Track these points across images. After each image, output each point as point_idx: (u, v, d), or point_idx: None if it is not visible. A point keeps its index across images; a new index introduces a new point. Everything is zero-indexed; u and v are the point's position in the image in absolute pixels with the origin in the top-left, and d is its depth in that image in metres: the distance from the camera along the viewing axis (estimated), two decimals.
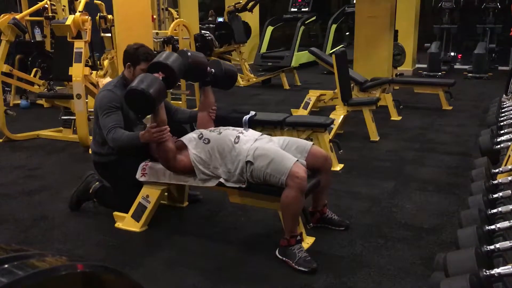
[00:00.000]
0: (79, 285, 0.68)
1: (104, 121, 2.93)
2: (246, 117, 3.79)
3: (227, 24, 9.40)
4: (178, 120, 3.36)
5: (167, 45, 6.40)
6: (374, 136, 5.01)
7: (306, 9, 11.14)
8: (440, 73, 9.18)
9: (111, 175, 3.20)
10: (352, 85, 5.77)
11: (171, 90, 6.46)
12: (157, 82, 2.63)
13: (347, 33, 11.73)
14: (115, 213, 3.10)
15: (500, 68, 10.06)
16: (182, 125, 3.29)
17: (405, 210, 3.25)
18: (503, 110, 3.98)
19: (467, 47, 10.71)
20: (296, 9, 11.31)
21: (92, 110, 5.16)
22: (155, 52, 5.98)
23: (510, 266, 1.54)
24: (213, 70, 3.11)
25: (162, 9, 9.20)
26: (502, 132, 3.28)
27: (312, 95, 5.93)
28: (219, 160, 2.71)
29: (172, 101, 5.46)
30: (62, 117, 5.42)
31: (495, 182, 2.39)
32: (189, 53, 3.01)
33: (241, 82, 8.84)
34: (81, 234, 3.02)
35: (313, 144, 2.87)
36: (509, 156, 2.65)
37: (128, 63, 3.05)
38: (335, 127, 4.75)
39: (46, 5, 7.02)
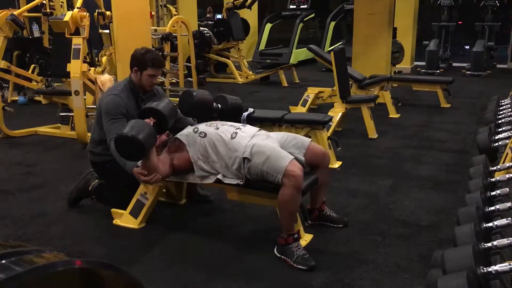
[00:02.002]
0: (77, 281, 0.68)
1: (109, 127, 2.93)
2: (245, 114, 3.79)
3: (225, 21, 9.39)
4: (182, 126, 3.35)
5: (165, 42, 6.40)
6: (373, 133, 5.01)
7: (305, 6, 11.13)
8: (438, 71, 9.19)
9: (106, 174, 3.19)
10: (350, 82, 5.77)
11: (169, 87, 6.47)
12: (147, 127, 2.64)
13: (346, 31, 11.73)
14: (113, 210, 3.10)
15: (498, 66, 10.08)
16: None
17: (403, 208, 3.25)
18: (501, 108, 3.99)
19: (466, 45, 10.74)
20: (294, 6, 11.30)
21: (90, 106, 5.20)
22: (154, 49, 5.98)
23: (507, 264, 1.55)
24: (219, 105, 3.15)
25: (161, 5, 9.20)
26: (500, 130, 3.29)
27: (311, 93, 5.92)
28: (216, 155, 2.71)
29: (171, 98, 5.46)
30: (60, 114, 5.41)
31: (493, 179, 2.39)
32: (194, 93, 3.04)
33: (239, 79, 8.84)
34: (79, 230, 3.02)
35: (311, 140, 2.87)
36: (507, 154, 2.66)
37: (135, 68, 3.04)
38: (333, 124, 4.76)
39: (44, 1, 7.00)
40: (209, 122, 2.96)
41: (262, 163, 2.52)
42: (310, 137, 3.73)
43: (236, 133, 2.74)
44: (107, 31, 7.05)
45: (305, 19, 10.84)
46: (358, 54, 7.23)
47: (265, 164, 2.51)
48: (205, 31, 9.04)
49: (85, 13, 4.89)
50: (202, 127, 2.85)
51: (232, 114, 3.24)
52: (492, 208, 2.04)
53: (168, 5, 9.47)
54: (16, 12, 5.37)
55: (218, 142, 2.71)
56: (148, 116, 2.76)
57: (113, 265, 0.74)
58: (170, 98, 3.50)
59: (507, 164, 2.47)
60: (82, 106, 4.83)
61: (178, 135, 2.89)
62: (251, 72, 9.22)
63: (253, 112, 3.85)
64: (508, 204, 1.97)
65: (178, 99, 4.91)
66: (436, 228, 2.94)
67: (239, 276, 2.44)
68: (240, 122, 3.73)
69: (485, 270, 1.54)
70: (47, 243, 2.83)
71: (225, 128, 2.79)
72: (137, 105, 3.07)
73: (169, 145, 2.92)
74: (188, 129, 2.89)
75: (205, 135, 2.77)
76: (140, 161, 2.78)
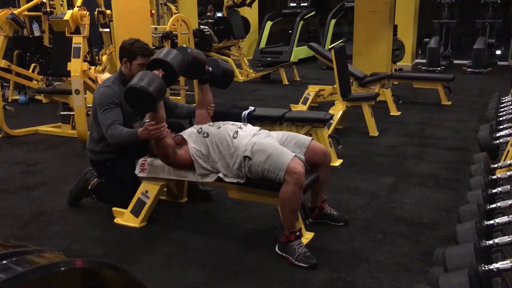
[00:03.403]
0: (78, 281, 0.68)
1: (103, 117, 2.92)
2: (245, 112, 3.79)
3: (226, 19, 9.38)
4: (177, 115, 3.36)
5: (165, 40, 6.38)
6: (373, 131, 5.01)
7: (305, 3, 11.11)
8: (439, 68, 9.18)
9: (107, 173, 3.19)
10: (351, 80, 5.76)
11: None
12: (157, 79, 2.61)
13: (347, 28, 11.71)
14: (114, 208, 3.10)
15: (499, 63, 10.06)
16: (180, 121, 3.29)
17: (404, 205, 3.25)
18: (502, 106, 3.99)
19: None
20: (295, 4, 11.27)
21: (91, 105, 5.20)
22: (154, 47, 5.98)
23: (508, 261, 1.54)
24: (210, 68, 3.11)
25: (161, 4, 9.18)
26: (501, 127, 3.29)
27: (311, 91, 5.92)
28: (218, 154, 2.71)
29: (171, 96, 5.46)
30: (61, 113, 5.41)
31: (494, 177, 2.39)
32: (189, 50, 3.00)
33: (240, 77, 8.83)
34: (80, 229, 3.02)
35: (312, 139, 2.86)
36: (508, 151, 2.66)
37: (125, 59, 3.04)
38: (334, 122, 4.75)
39: (44, 0, 6.99)
40: (211, 122, 2.97)
41: (264, 161, 2.52)
42: (310, 135, 3.74)
43: (237, 132, 2.74)
44: (108, 29, 7.03)
45: (305, 17, 10.82)
46: (358, 52, 7.21)
47: (267, 162, 2.51)
48: (206, 29, 9.03)
49: (85, 11, 4.89)
50: (205, 127, 2.86)
51: (223, 80, 3.22)
52: (494, 205, 2.04)
53: (168, 4, 9.46)
54: (16, 11, 5.37)
55: (219, 142, 2.71)
56: (156, 68, 2.72)
57: (114, 265, 0.74)
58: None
59: (508, 162, 2.47)
60: (83, 105, 4.83)
61: (181, 133, 2.89)
62: (251, 70, 9.21)
63: (254, 110, 3.84)
64: (510, 202, 1.96)
65: (179, 97, 4.89)
66: (437, 225, 2.94)
67: (240, 274, 2.44)
68: (243, 110, 3.74)
69: (486, 268, 1.54)
70: (48, 243, 2.83)
71: (227, 127, 2.79)
72: None
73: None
74: (192, 129, 2.89)
75: (208, 135, 2.77)
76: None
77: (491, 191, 2.21)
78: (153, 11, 7.52)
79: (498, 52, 10.44)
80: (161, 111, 2.74)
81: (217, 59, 3.26)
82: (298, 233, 2.57)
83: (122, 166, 3.05)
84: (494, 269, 1.53)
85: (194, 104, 3.39)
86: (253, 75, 9.03)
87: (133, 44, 3.02)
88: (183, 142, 2.84)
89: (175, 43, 6.52)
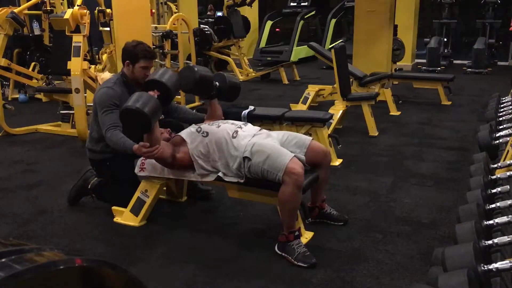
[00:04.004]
0: (77, 280, 0.68)
1: (103, 119, 2.92)
2: (245, 112, 3.79)
3: (226, 19, 9.37)
4: (179, 119, 3.35)
5: (166, 39, 6.38)
6: (373, 131, 5.01)
7: (306, 3, 11.10)
8: (439, 68, 9.18)
9: (106, 172, 3.19)
10: (351, 80, 5.76)
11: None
12: (152, 100, 2.61)
13: (347, 28, 11.71)
14: (114, 207, 3.10)
15: (499, 63, 10.06)
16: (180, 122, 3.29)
17: (404, 205, 3.25)
18: (502, 106, 3.99)
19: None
20: (295, 4, 11.27)
21: (91, 104, 5.19)
22: (154, 47, 5.98)
23: (508, 261, 1.55)
24: (217, 83, 3.12)
25: (161, 3, 9.17)
26: (501, 127, 3.29)
27: (311, 90, 5.92)
28: (217, 154, 2.71)
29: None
30: (61, 111, 5.41)
31: (494, 177, 2.39)
32: (195, 68, 3.02)
33: (240, 77, 8.82)
34: (79, 228, 3.02)
35: (312, 139, 2.86)
36: (508, 151, 2.66)
37: (127, 61, 3.04)
38: (334, 122, 4.75)
39: None
40: (211, 122, 2.96)
41: (263, 162, 2.52)
42: (310, 135, 3.74)
43: (237, 132, 2.73)
44: (108, 28, 7.04)
45: (305, 17, 10.81)
46: (358, 51, 7.21)
47: (266, 163, 2.51)
48: (206, 29, 9.02)
49: (85, 10, 4.89)
50: (205, 126, 2.85)
51: (230, 94, 3.22)
52: (493, 205, 2.04)
53: (168, 3, 9.44)
54: (16, 10, 5.37)
55: (219, 142, 2.71)
56: (152, 88, 2.72)
57: (113, 263, 0.74)
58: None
59: (508, 162, 2.47)
60: (83, 103, 4.83)
61: (180, 133, 2.89)
62: (251, 70, 9.20)
63: (254, 109, 3.84)
64: (509, 202, 1.97)
65: (179, 96, 4.84)
66: (436, 225, 2.94)
67: (240, 274, 2.44)
68: (243, 109, 3.74)
69: (485, 268, 1.54)
70: (48, 241, 2.83)
71: (227, 127, 2.79)
72: None
73: (171, 142, 2.92)
74: (191, 128, 2.89)
75: (207, 134, 2.77)
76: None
77: (491, 191, 2.21)
78: (153, 10, 7.52)
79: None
80: (156, 132, 2.73)
81: (223, 74, 3.27)
82: (297, 233, 2.58)
83: (121, 165, 3.05)
84: (493, 269, 1.53)
85: (201, 114, 3.35)
86: (253, 74, 9.02)
87: (136, 47, 3.02)
88: (182, 142, 2.83)
89: (175, 42, 6.52)
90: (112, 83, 3.04)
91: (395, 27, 7.69)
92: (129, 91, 3.05)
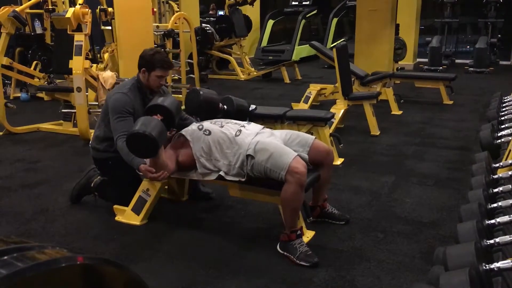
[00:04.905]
0: (78, 277, 0.68)
1: (116, 125, 2.93)
2: None
3: (227, 18, 9.37)
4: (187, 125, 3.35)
5: (167, 38, 6.38)
6: (375, 130, 5.01)
7: (307, 2, 11.09)
8: (441, 68, 9.16)
9: (108, 171, 3.20)
10: (353, 79, 5.76)
11: (171, 84, 6.47)
12: (159, 124, 2.61)
13: (349, 27, 11.69)
14: (115, 206, 3.11)
15: (501, 62, 10.04)
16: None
17: (405, 205, 3.25)
18: (504, 105, 3.98)
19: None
20: (297, 3, 11.26)
21: (92, 103, 5.21)
22: (156, 46, 5.98)
23: (509, 261, 1.54)
24: (225, 106, 3.15)
25: (163, 2, 9.18)
26: (502, 126, 3.28)
27: (313, 89, 5.92)
28: (220, 152, 2.70)
29: (173, 95, 5.45)
30: (62, 110, 5.41)
31: (495, 176, 2.39)
32: (201, 92, 3.04)
33: (241, 76, 8.83)
34: (81, 227, 3.03)
35: (315, 138, 2.86)
36: (510, 150, 2.65)
37: (143, 69, 3.03)
38: (335, 121, 4.75)
39: None
40: (214, 120, 2.96)
41: (266, 160, 2.52)
42: (312, 134, 3.74)
43: (240, 130, 2.74)
44: (109, 27, 7.04)
45: (307, 16, 10.80)
46: (360, 50, 7.20)
47: (269, 161, 2.51)
48: (207, 28, 9.02)
49: (87, 9, 4.89)
50: (207, 124, 2.85)
51: (238, 116, 3.23)
52: (495, 205, 2.04)
53: (170, 2, 9.45)
54: (18, 9, 5.37)
55: (222, 140, 2.71)
56: (154, 113, 2.73)
57: (114, 262, 0.74)
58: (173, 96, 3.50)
59: (510, 161, 2.47)
60: (84, 102, 4.83)
61: (183, 131, 2.89)
62: (253, 69, 9.20)
63: (255, 109, 3.84)
64: (511, 201, 1.96)
65: (180, 95, 4.89)
66: (438, 225, 2.94)
67: (241, 273, 2.45)
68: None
69: (487, 267, 1.53)
70: (49, 240, 2.84)
71: (230, 126, 2.79)
72: (144, 105, 3.05)
73: (174, 142, 2.93)
74: (193, 126, 2.89)
75: (210, 132, 2.77)
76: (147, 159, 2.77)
77: (492, 190, 2.21)
78: (155, 9, 7.52)
79: None
80: (162, 157, 2.72)
81: (231, 97, 3.29)
82: (299, 232, 2.58)
83: (123, 164, 3.04)
84: (495, 269, 1.53)
85: None
86: (255, 73, 9.02)
87: (153, 56, 3.01)
88: (184, 143, 2.83)
89: (177, 41, 6.52)
90: (127, 89, 3.03)
91: (397, 26, 7.68)
92: (142, 97, 3.06)
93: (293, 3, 11.33)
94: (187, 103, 3.10)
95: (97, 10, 6.61)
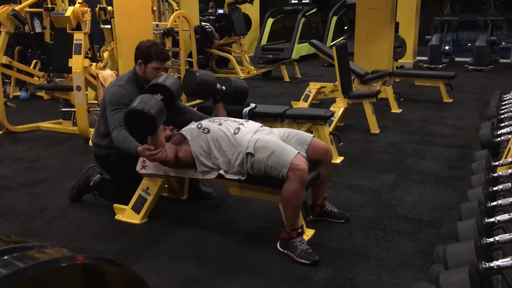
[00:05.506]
0: (79, 277, 0.68)
1: (112, 117, 2.92)
2: (246, 109, 3.78)
3: (227, 16, 9.36)
4: (187, 119, 3.34)
5: (167, 37, 6.38)
6: (375, 128, 5.01)
7: (307, 1, 11.09)
8: (440, 66, 9.16)
9: (110, 167, 3.20)
10: (352, 77, 5.76)
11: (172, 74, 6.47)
12: (158, 102, 2.60)
13: (348, 26, 11.69)
14: (115, 205, 3.11)
15: (501, 60, 10.03)
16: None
17: (405, 203, 3.25)
18: (503, 103, 3.98)
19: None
20: (296, 1, 11.26)
21: (92, 102, 5.20)
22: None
23: (509, 259, 1.55)
24: (223, 87, 3.13)
25: (162, 0, 9.16)
26: (502, 125, 3.29)
27: (313, 88, 5.91)
28: (219, 151, 2.70)
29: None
30: (62, 109, 5.41)
31: (495, 175, 2.39)
32: (197, 73, 3.02)
33: (241, 74, 8.82)
34: (81, 226, 3.03)
35: (313, 136, 2.86)
36: (509, 149, 2.65)
37: (140, 60, 3.03)
38: (335, 119, 4.75)
39: None
40: (212, 118, 2.96)
41: (267, 158, 2.52)
42: (311, 132, 3.74)
43: (239, 128, 2.73)
44: (109, 26, 7.03)
45: (307, 14, 10.80)
46: (360, 49, 7.20)
47: (270, 159, 2.51)
48: (207, 26, 9.01)
49: (86, 8, 4.89)
50: (205, 122, 2.85)
51: (237, 98, 3.22)
52: (494, 203, 2.04)
53: (169, 0, 9.44)
54: (17, 7, 5.36)
55: (221, 138, 2.70)
56: (155, 92, 2.72)
57: (115, 261, 0.74)
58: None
59: (510, 159, 2.47)
60: (84, 101, 4.83)
61: (181, 131, 2.89)
62: (253, 67, 9.20)
63: (255, 107, 3.84)
64: (511, 199, 1.97)
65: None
66: (438, 223, 2.94)
67: (241, 271, 2.45)
68: (244, 106, 3.74)
69: (487, 265, 1.54)
70: (50, 239, 2.84)
71: (228, 124, 2.79)
72: None
73: (173, 140, 2.93)
74: (192, 125, 2.89)
75: (209, 131, 2.77)
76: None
77: (492, 188, 2.21)
78: (154, 8, 7.51)
79: None
80: (161, 136, 2.72)
81: (230, 78, 3.28)
82: (300, 230, 2.58)
83: (126, 161, 3.05)
84: (495, 267, 1.53)
85: (208, 116, 3.35)
86: (254, 72, 9.01)
87: (150, 47, 3.01)
88: (184, 141, 2.83)
89: (176, 39, 6.52)
90: (123, 82, 3.04)
91: (397, 24, 7.68)
92: (139, 90, 3.05)
93: (293, 1, 11.33)
94: (184, 85, 3.07)
95: (97, 9, 6.60)
